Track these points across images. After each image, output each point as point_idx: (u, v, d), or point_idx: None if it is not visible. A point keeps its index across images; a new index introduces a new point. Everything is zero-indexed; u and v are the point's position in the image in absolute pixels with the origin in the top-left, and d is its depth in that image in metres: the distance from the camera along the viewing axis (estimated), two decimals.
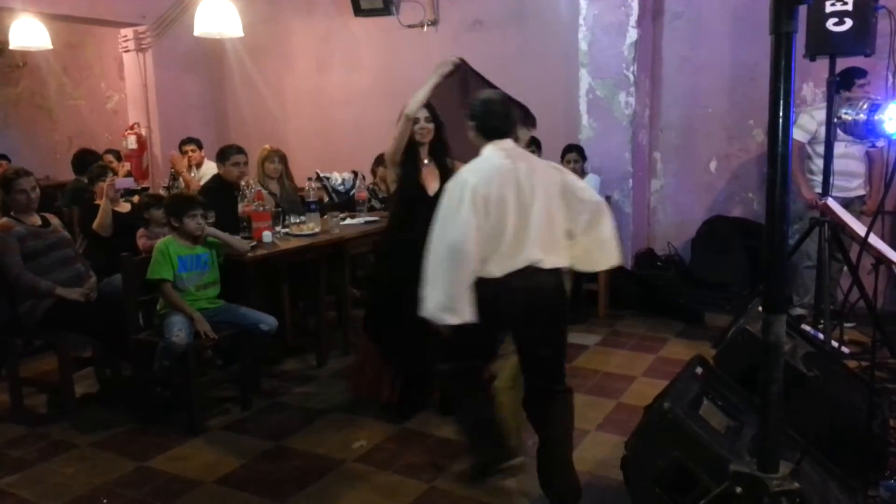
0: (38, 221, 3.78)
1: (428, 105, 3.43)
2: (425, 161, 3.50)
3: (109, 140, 8.00)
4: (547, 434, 2.73)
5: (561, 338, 2.72)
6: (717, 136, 5.66)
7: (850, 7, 3.56)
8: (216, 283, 3.75)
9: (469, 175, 2.56)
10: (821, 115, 4.30)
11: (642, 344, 4.70)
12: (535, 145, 4.91)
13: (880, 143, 4.37)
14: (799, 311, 4.72)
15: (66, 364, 3.68)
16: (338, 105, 7.20)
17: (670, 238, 5.88)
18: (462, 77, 3.57)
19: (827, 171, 3.99)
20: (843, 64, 4.06)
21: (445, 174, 3.49)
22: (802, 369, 2.76)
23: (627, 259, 5.58)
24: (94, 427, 3.54)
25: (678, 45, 5.68)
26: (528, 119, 3.65)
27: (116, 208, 4.36)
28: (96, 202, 4.45)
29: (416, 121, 3.40)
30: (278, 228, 4.32)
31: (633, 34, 5.43)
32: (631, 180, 5.61)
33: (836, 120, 3.57)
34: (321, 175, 5.75)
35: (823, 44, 3.68)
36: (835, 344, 3.84)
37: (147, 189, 6.17)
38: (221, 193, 4.33)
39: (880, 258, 3.29)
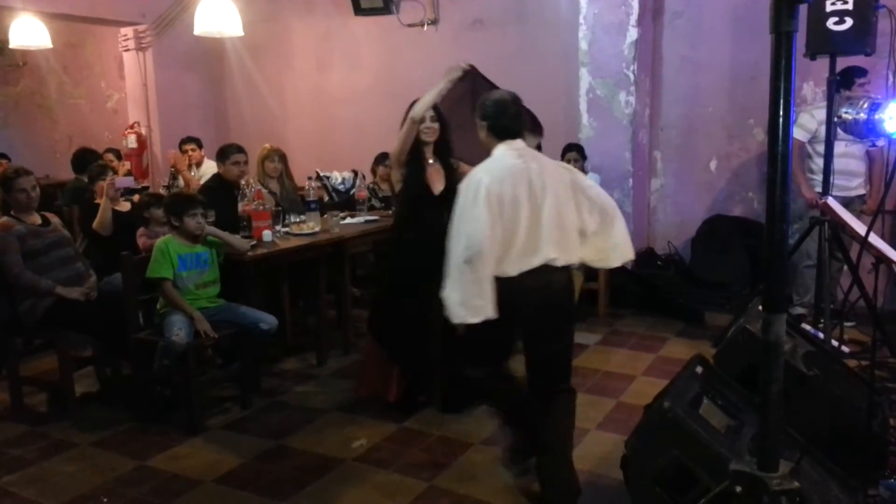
0: (38, 220, 3.78)
1: (433, 105, 3.44)
2: (430, 160, 3.51)
3: (109, 139, 8.00)
4: (548, 433, 2.74)
5: (570, 335, 2.77)
6: (717, 136, 5.66)
7: (850, 6, 3.56)
8: (216, 282, 3.75)
9: (483, 175, 2.58)
10: (821, 114, 4.30)
11: (642, 343, 4.70)
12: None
13: (880, 143, 4.37)
14: (799, 310, 4.72)
15: (67, 363, 3.68)
16: (338, 104, 7.20)
17: (670, 237, 5.88)
18: (472, 83, 3.58)
19: (827, 171, 3.99)
20: (843, 63, 4.06)
21: (450, 174, 3.50)
22: (802, 368, 2.76)
23: None
24: (94, 426, 3.54)
25: (678, 44, 5.68)
26: (536, 127, 3.67)
27: (116, 207, 4.36)
28: (96, 201, 4.45)
29: (421, 120, 3.41)
30: (278, 227, 4.32)
31: (633, 33, 5.43)
32: (631, 179, 5.61)
33: (836, 119, 3.57)
34: (321, 174, 5.75)
35: (824, 43, 3.68)
36: (835, 343, 3.84)
37: (147, 188, 6.16)
38: (221, 192, 4.33)
39: (880, 257, 3.28)
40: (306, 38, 7.33)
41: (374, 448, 3.27)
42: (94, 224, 4.28)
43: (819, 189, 4.13)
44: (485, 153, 2.73)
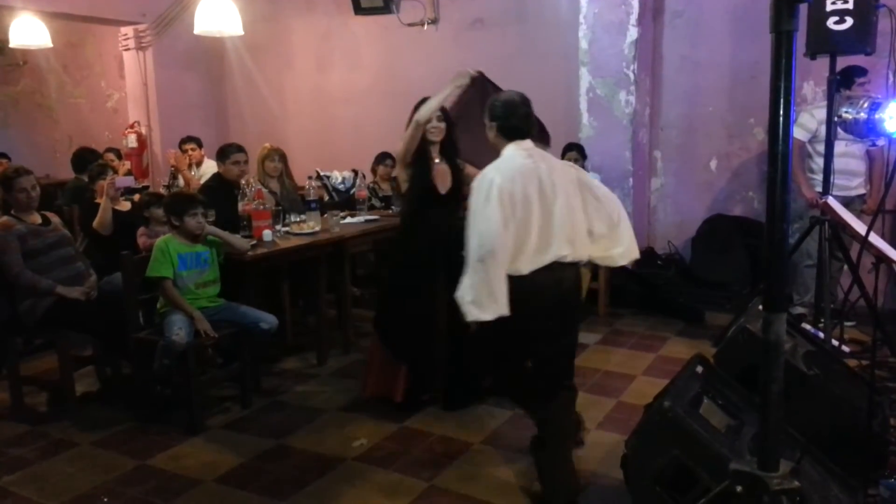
0: (39, 220, 3.78)
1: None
2: (437, 160, 3.51)
3: (109, 139, 8.00)
4: (549, 430, 2.74)
5: (576, 331, 2.83)
6: (717, 135, 5.66)
7: (850, 5, 3.55)
8: (216, 282, 3.75)
9: (494, 174, 2.60)
10: (821, 113, 4.29)
11: (642, 343, 4.70)
12: None
13: (881, 142, 4.37)
14: (799, 309, 4.72)
15: (67, 363, 3.68)
16: (338, 104, 7.20)
17: (670, 237, 5.88)
18: (481, 89, 3.59)
19: (827, 170, 3.99)
20: (843, 62, 4.06)
21: (457, 173, 3.51)
22: (803, 368, 2.76)
23: None
24: (95, 426, 3.54)
25: (678, 43, 5.67)
26: (544, 135, 3.69)
27: (117, 207, 4.36)
28: (96, 201, 4.45)
29: (427, 121, 3.41)
30: (278, 227, 4.32)
31: (633, 33, 5.43)
32: (631, 179, 5.60)
33: (836, 118, 3.57)
34: (321, 174, 5.75)
35: (824, 42, 3.68)
36: (835, 343, 3.83)
37: (147, 188, 6.17)
38: (221, 192, 4.33)
39: (881, 257, 3.28)
40: (306, 38, 7.33)
41: (374, 448, 3.27)
42: (95, 223, 4.28)
43: (819, 189, 4.13)
44: (494, 158, 2.75)
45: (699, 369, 2.64)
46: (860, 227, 3.68)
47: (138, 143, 7.49)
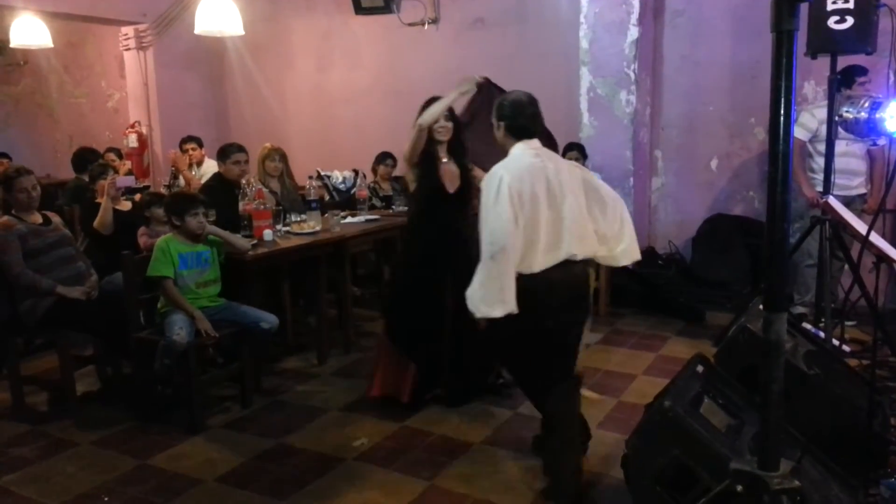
0: (39, 220, 3.79)
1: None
2: (444, 159, 3.52)
3: (110, 138, 8.00)
4: (556, 419, 2.78)
5: (583, 326, 2.84)
6: (718, 135, 5.66)
7: (851, 5, 3.56)
8: (217, 282, 3.75)
9: (503, 172, 2.62)
10: (822, 113, 4.30)
11: (643, 342, 4.70)
12: None
13: (881, 142, 4.36)
14: (800, 309, 4.72)
15: (67, 362, 3.68)
16: (338, 103, 7.20)
17: (671, 236, 5.88)
18: (487, 95, 3.60)
19: (828, 170, 3.99)
20: (844, 62, 4.06)
21: (465, 173, 3.51)
22: (803, 368, 2.76)
23: None
24: (95, 425, 3.54)
25: (679, 43, 5.67)
26: (551, 143, 3.69)
27: (117, 207, 4.35)
28: (97, 201, 4.45)
29: (434, 122, 3.42)
30: (279, 227, 4.32)
31: (633, 32, 5.42)
32: (632, 179, 5.60)
33: (837, 118, 3.57)
34: (322, 173, 5.75)
35: (825, 42, 3.68)
36: (836, 342, 3.83)
37: (148, 187, 6.17)
38: (222, 192, 4.33)
39: (881, 256, 3.28)
40: (307, 38, 7.33)
41: (374, 447, 3.27)
42: (95, 223, 4.28)
43: (820, 188, 4.13)
44: (497, 160, 2.76)
45: (700, 369, 2.64)
46: (861, 226, 3.68)
47: (139, 143, 7.50)
